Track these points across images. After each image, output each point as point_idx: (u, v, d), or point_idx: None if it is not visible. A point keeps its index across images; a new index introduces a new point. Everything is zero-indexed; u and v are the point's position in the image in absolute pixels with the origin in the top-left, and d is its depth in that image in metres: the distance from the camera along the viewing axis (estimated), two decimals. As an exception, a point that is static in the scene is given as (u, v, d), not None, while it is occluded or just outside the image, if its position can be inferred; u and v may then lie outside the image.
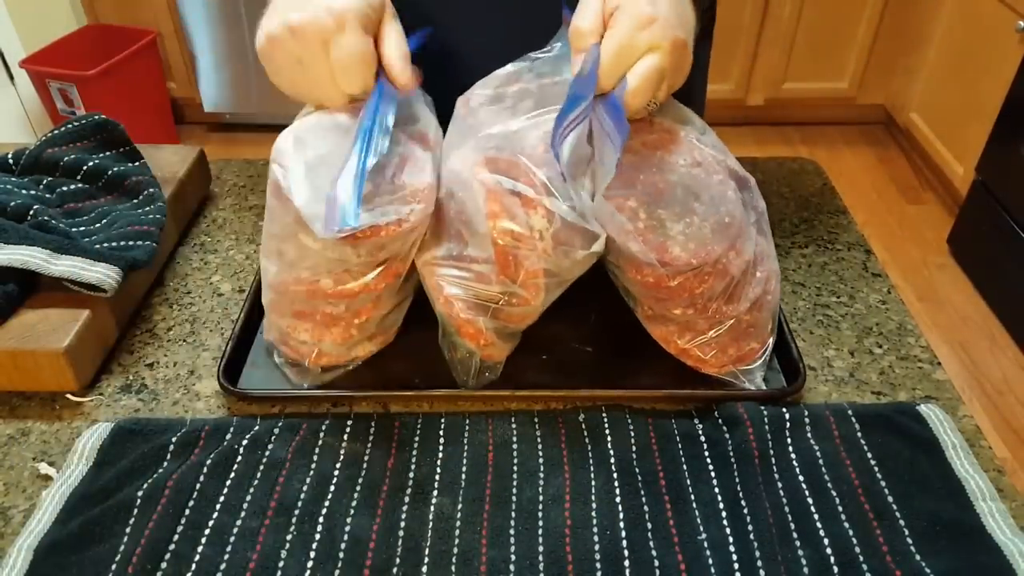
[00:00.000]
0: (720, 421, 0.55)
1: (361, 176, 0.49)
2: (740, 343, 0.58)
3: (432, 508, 0.49)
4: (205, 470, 0.51)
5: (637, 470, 0.52)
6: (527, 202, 0.50)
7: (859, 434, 0.53)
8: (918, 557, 0.46)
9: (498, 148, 0.52)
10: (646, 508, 0.49)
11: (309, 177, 0.50)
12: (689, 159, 0.55)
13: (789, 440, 0.53)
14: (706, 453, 0.53)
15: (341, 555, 0.47)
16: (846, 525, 0.48)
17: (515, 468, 0.52)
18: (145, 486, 0.50)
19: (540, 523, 0.48)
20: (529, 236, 0.50)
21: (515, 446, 0.53)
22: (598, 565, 0.46)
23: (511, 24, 0.67)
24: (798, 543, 0.47)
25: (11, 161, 0.71)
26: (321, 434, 0.54)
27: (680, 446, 0.53)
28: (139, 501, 0.49)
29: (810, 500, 0.49)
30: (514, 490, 0.51)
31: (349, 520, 0.49)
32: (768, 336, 0.59)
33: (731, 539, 0.47)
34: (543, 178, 0.50)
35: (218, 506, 0.49)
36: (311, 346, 0.57)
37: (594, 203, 0.52)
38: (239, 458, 0.52)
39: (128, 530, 0.47)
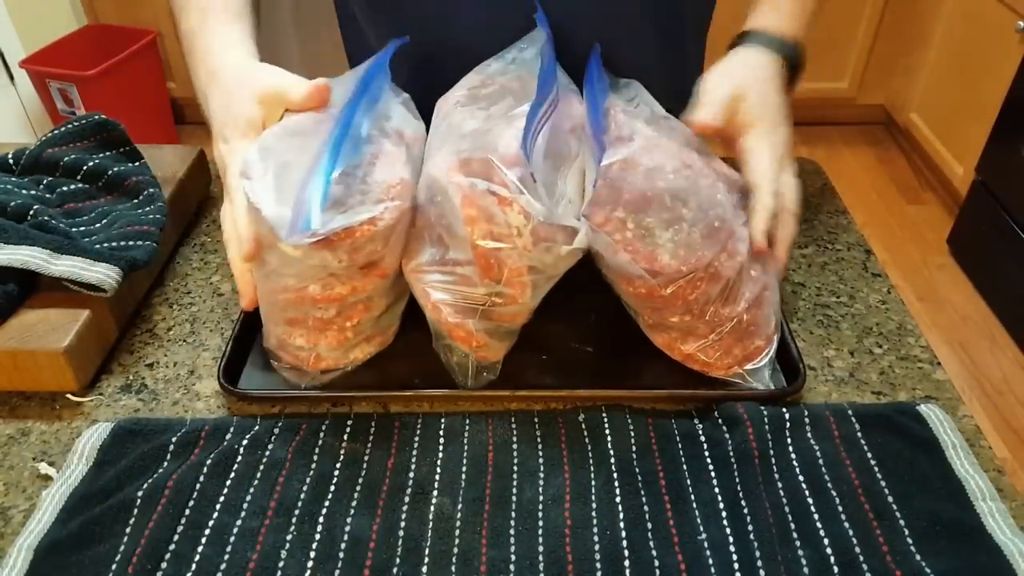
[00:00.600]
0: (720, 421, 0.55)
1: (327, 181, 0.48)
2: (744, 342, 0.58)
3: (432, 508, 0.49)
4: (205, 470, 0.51)
5: (637, 470, 0.52)
6: (503, 200, 0.50)
7: (859, 434, 0.53)
8: (918, 557, 0.46)
9: (471, 150, 0.52)
10: (646, 508, 0.49)
11: (277, 185, 0.50)
12: (677, 163, 0.55)
13: (789, 440, 0.53)
14: (706, 453, 0.53)
15: (341, 555, 0.47)
16: (846, 525, 0.48)
17: (515, 468, 0.52)
18: (145, 486, 0.50)
19: (540, 523, 0.48)
20: (508, 235, 0.50)
21: (515, 446, 0.53)
22: (598, 565, 0.46)
23: (503, 24, 0.67)
24: (798, 543, 0.47)
25: (11, 161, 0.71)
26: (321, 434, 0.54)
27: (680, 446, 0.53)
28: (139, 501, 0.49)
29: (810, 500, 0.49)
30: (514, 490, 0.51)
31: (349, 520, 0.49)
32: (773, 332, 0.59)
33: (731, 539, 0.47)
34: (514, 178, 0.50)
35: (218, 506, 0.49)
36: (308, 351, 0.57)
37: (579, 221, 0.52)
38: (239, 458, 0.52)
39: (128, 530, 0.47)
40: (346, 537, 0.48)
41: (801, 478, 0.50)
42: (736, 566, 0.46)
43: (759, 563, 0.46)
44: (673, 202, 0.53)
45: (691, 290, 0.53)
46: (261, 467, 0.51)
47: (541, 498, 0.50)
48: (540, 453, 0.53)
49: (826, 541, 0.47)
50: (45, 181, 0.69)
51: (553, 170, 0.55)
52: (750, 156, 0.58)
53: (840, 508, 0.48)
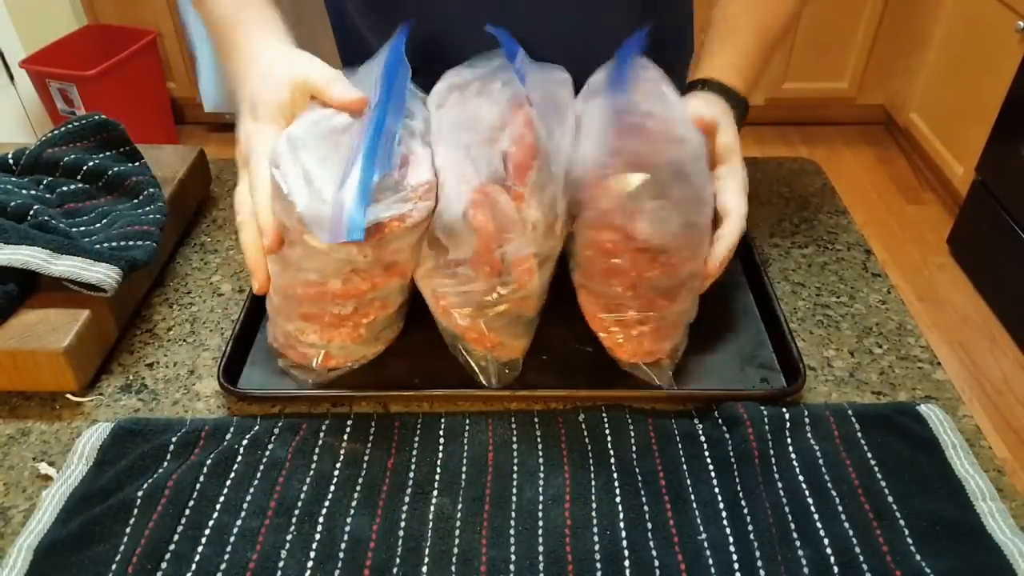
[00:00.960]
0: (720, 421, 0.55)
1: (369, 184, 0.48)
2: (658, 341, 0.58)
3: (432, 508, 0.49)
4: (205, 470, 0.51)
5: (637, 470, 0.52)
6: (517, 196, 0.50)
7: (859, 434, 0.53)
8: (918, 557, 0.46)
9: (468, 144, 0.52)
10: (646, 508, 0.49)
11: (308, 181, 0.50)
12: (695, 150, 0.55)
13: (789, 440, 0.53)
14: (706, 453, 0.53)
15: (341, 555, 0.47)
16: (846, 525, 0.48)
17: (515, 468, 0.52)
18: (145, 486, 0.50)
19: (540, 523, 0.48)
20: (517, 228, 0.50)
21: (515, 446, 0.53)
22: (598, 565, 0.46)
23: (508, 15, 0.67)
24: (798, 543, 0.47)
25: (11, 161, 0.71)
26: (321, 434, 0.54)
27: (680, 446, 0.53)
28: (139, 501, 0.49)
29: (810, 500, 0.49)
30: (514, 490, 0.51)
31: (349, 520, 0.49)
32: (680, 343, 0.59)
33: (731, 539, 0.47)
34: (534, 132, 0.50)
35: (218, 506, 0.49)
36: (319, 348, 0.57)
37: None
38: (239, 458, 0.52)
39: (128, 530, 0.47)
40: (346, 537, 0.48)
41: (801, 478, 0.50)
42: (736, 566, 0.46)
43: (759, 563, 0.45)
44: (669, 178, 0.53)
45: (648, 267, 0.53)
46: (261, 467, 0.51)
47: (541, 498, 0.50)
48: (540, 453, 0.53)
49: (826, 541, 0.47)
50: (45, 181, 0.69)
51: (549, 116, 0.55)
52: (725, 186, 0.60)
53: (840, 508, 0.48)
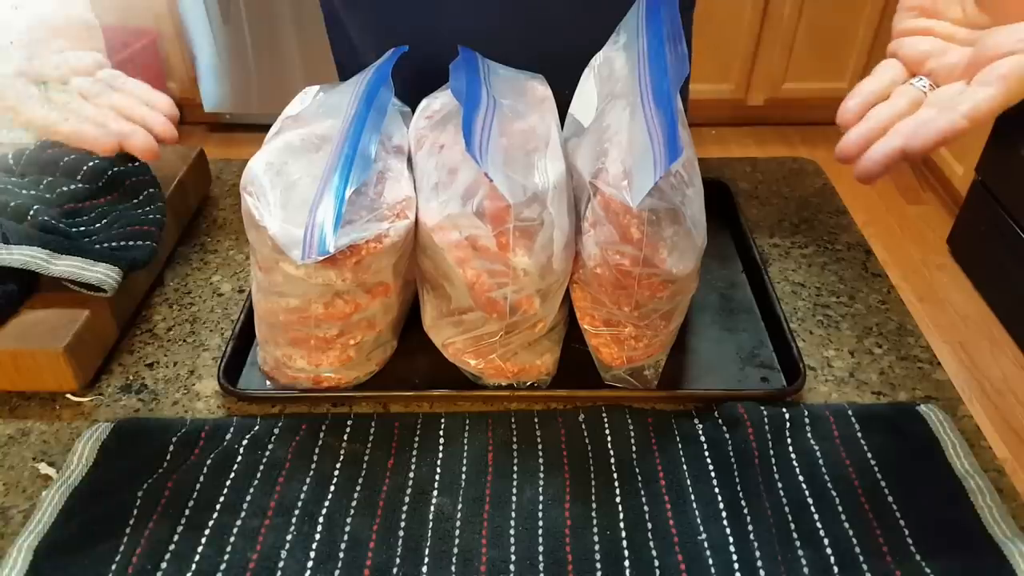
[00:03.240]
0: (720, 421, 0.55)
1: (340, 204, 0.47)
2: (641, 354, 0.56)
3: (432, 508, 0.49)
4: (205, 470, 0.51)
5: (637, 470, 0.52)
6: (500, 245, 0.49)
7: (859, 434, 0.53)
8: (918, 557, 0.46)
9: (448, 199, 0.50)
10: (646, 508, 0.49)
11: (283, 203, 0.49)
12: (694, 176, 0.54)
13: (789, 440, 0.53)
14: (706, 453, 0.53)
15: (341, 555, 0.47)
16: (846, 525, 0.48)
17: (515, 468, 0.52)
18: (145, 486, 0.50)
19: (540, 523, 0.48)
20: (506, 271, 0.49)
21: (515, 446, 0.53)
22: (598, 565, 0.46)
23: (488, 29, 0.67)
24: (798, 543, 0.47)
25: (11, 161, 0.71)
26: (321, 434, 0.54)
27: (680, 446, 0.53)
28: (139, 501, 0.49)
29: (810, 500, 0.49)
30: (514, 490, 0.51)
31: (349, 520, 0.49)
32: (665, 356, 0.58)
33: (731, 539, 0.47)
34: (503, 192, 0.47)
35: (218, 506, 0.49)
36: (308, 373, 0.56)
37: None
38: (239, 458, 0.52)
39: (128, 530, 0.47)
40: (346, 537, 0.48)
41: (801, 478, 0.50)
42: (736, 566, 0.46)
43: (759, 563, 0.46)
44: (678, 205, 0.52)
45: (662, 289, 0.52)
46: (261, 467, 0.51)
47: (541, 498, 0.50)
48: (540, 453, 0.53)
49: (826, 541, 0.47)
50: (45, 181, 0.69)
51: (525, 157, 0.52)
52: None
53: (840, 508, 0.48)
